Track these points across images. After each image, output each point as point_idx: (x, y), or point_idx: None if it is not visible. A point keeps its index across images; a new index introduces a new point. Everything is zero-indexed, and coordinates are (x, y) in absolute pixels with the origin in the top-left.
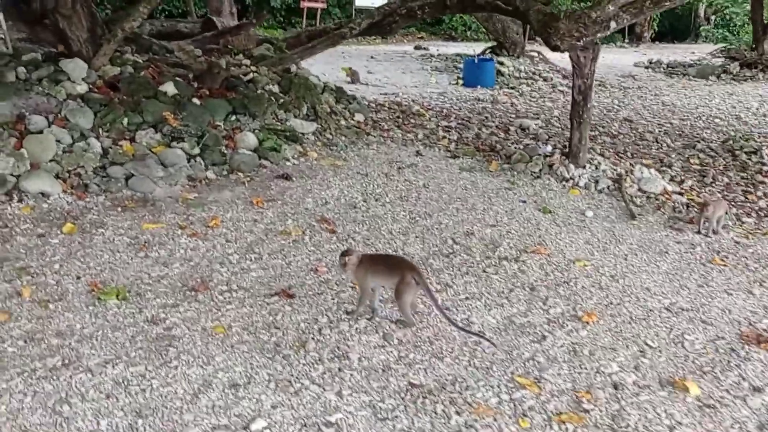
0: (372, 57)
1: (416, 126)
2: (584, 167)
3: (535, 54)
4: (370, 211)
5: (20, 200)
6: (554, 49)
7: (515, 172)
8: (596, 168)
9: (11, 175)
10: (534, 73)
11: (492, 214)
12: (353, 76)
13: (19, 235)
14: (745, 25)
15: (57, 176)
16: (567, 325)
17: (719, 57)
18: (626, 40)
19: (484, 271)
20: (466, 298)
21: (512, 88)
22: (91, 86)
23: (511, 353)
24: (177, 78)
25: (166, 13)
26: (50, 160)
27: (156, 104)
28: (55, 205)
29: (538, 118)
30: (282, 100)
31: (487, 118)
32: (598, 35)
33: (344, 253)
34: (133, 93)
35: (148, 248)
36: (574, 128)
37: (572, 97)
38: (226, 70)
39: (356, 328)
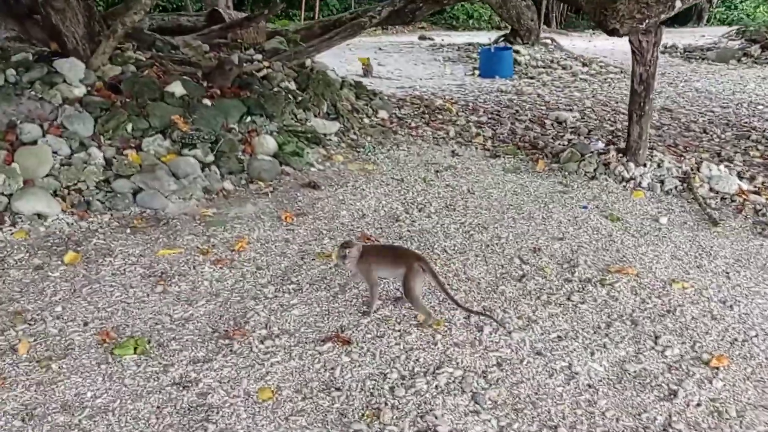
0: (380, 49)
1: (445, 122)
2: (645, 165)
3: (549, 41)
4: (416, 225)
5: (13, 224)
6: (611, 33)
7: (566, 173)
8: (658, 166)
9: (2, 194)
10: (552, 61)
11: (554, 224)
12: (367, 69)
13: (12, 267)
14: (761, 6)
15: (55, 193)
16: (694, 373)
17: (734, 40)
18: None
19: (568, 299)
20: (559, 338)
21: (531, 77)
22: (89, 88)
23: (639, 418)
24: (184, 77)
25: (160, 8)
26: (46, 175)
27: (163, 107)
28: (54, 228)
29: (571, 110)
30: (300, 98)
31: (517, 111)
32: (662, 16)
33: (344, 245)
34: (137, 95)
35: (166, 281)
36: (634, 122)
37: (631, 87)
38: (238, 66)
39: (436, 386)
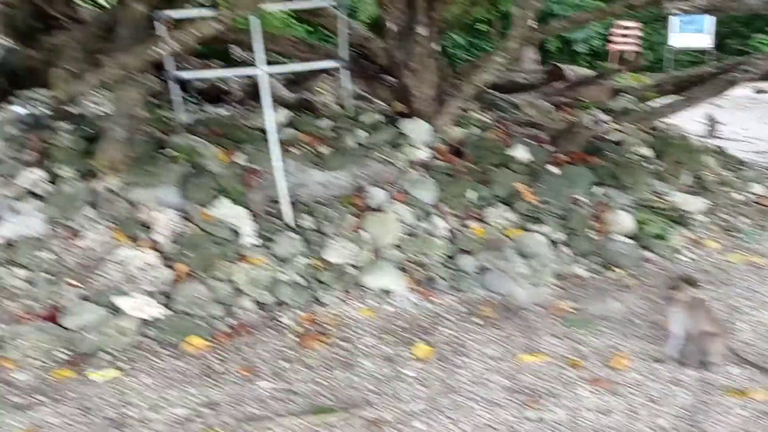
0: (713, 104)
1: None
2: None
3: None
4: None
5: (360, 299)
6: None
7: None
8: None
9: (350, 265)
10: None
11: None
12: (712, 127)
13: (362, 356)
14: None
15: (400, 267)
16: None
17: None
18: None
19: None
20: None
21: None
22: (433, 151)
23: None
24: (527, 140)
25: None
26: (391, 246)
27: (506, 174)
28: (400, 307)
29: None
30: (655, 167)
31: None
32: None
33: (674, 287)
34: (478, 159)
35: (537, 402)
36: None
37: None
38: (589, 129)
39: None
